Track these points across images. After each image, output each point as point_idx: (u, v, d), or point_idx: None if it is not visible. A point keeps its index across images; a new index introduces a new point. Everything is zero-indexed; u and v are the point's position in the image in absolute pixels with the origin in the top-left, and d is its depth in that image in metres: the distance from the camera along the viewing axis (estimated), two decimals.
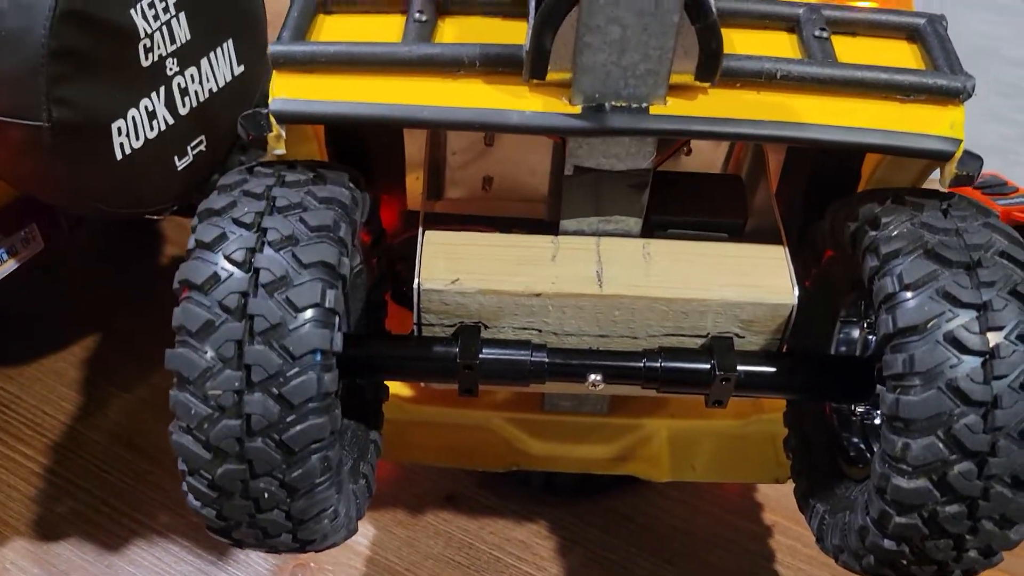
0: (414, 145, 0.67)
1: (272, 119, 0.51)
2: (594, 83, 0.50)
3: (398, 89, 0.52)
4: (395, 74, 0.52)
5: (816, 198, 0.63)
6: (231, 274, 0.47)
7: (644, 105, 0.50)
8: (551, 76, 0.50)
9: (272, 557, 0.76)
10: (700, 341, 0.57)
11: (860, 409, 0.60)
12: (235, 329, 0.46)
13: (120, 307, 0.97)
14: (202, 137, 0.74)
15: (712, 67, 0.50)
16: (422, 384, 0.72)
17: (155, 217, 0.76)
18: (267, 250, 0.48)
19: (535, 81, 0.51)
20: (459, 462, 0.76)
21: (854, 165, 0.63)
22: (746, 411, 0.73)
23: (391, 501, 0.81)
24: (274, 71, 0.52)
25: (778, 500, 0.81)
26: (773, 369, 0.56)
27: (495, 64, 0.51)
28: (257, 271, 0.47)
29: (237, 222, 0.49)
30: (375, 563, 0.76)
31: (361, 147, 0.64)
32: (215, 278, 0.47)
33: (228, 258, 0.47)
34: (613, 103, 0.50)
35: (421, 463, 0.81)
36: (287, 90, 0.52)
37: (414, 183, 0.70)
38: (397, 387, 0.73)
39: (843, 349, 0.62)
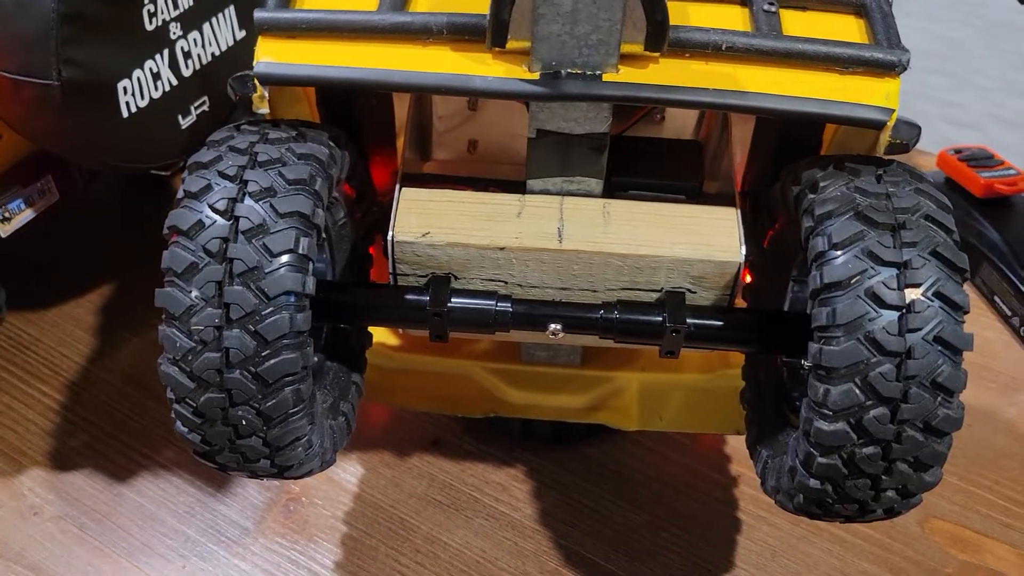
0: (404, 109, 0.71)
1: (256, 81, 0.56)
2: (550, 52, 0.53)
3: (373, 55, 0.56)
4: (370, 40, 0.56)
5: (782, 164, 0.66)
6: (214, 221, 0.52)
7: (597, 73, 0.54)
8: (511, 44, 0.54)
9: (266, 490, 0.82)
10: (655, 296, 0.61)
11: (807, 363, 0.64)
12: (216, 271, 0.51)
13: (132, 257, 1.03)
14: (205, 98, 0.79)
15: (659, 38, 0.53)
16: (401, 331, 0.77)
17: (162, 173, 0.81)
18: (247, 200, 0.52)
19: (497, 49, 0.55)
20: (440, 407, 0.81)
21: (815, 132, 0.66)
22: (713, 366, 0.77)
23: (379, 444, 0.86)
24: (259, 35, 0.56)
25: (744, 452, 0.84)
26: (720, 323, 0.60)
27: (461, 32, 0.55)
28: (237, 219, 0.51)
29: (222, 174, 0.53)
30: (362, 499, 0.81)
31: (350, 109, 0.68)
32: (200, 225, 0.52)
33: (212, 207, 0.52)
34: (568, 70, 0.54)
35: (405, 407, 0.86)
36: (270, 54, 0.56)
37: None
38: (384, 336, 0.78)
39: (798, 307, 0.66)
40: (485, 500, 0.82)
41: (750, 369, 0.68)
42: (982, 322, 1.02)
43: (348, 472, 0.83)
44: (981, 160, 1.07)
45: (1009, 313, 1.00)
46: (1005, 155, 1.11)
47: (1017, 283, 0.99)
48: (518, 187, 0.63)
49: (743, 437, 0.68)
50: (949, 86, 1.96)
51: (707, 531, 0.80)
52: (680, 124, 0.74)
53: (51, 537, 0.78)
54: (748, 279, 0.67)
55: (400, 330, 0.78)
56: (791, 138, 0.67)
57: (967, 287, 0.53)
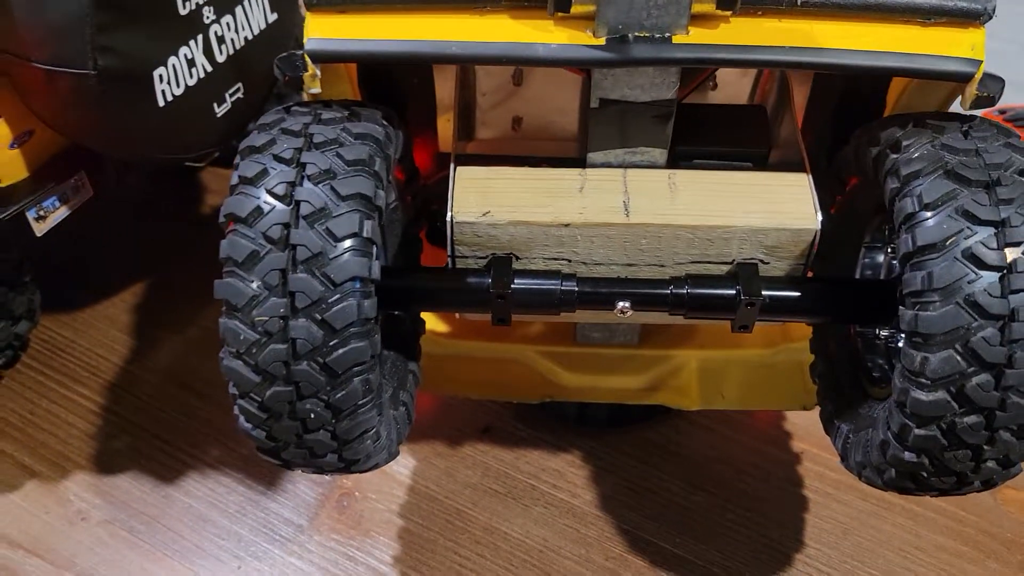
0: (445, 88, 0.69)
1: (307, 59, 0.53)
2: (617, 15, 0.51)
3: (427, 26, 0.53)
4: (424, 12, 0.53)
5: (843, 126, 0.63)
6: (273, 207, 0.49)
7: (667, 35, 0.51)
8: (575, 9, 0.51)
9: (318, 486, 0.80)
10: (726, 268, 0.59)
11: (884, 332, 0.62)
12: (279, 259, 0.49)
13: (166, 255, 1.01)
14: (239, 84, 0.77)
15: None
16: (458, 317, 0.74)
17: (196, 164, 0.79)
18: (306, 183, 0.50)
19: (560, 15, 0.52)
20: (494, 394, 0.79)
21: (879, 92, 0.63)
22: (774, 340, 0.75)
23: (430, 434, 0.84)
24: (307, 12, 0.54)
25: (807, 429, 0.82)
26: (797, 294, 0.58)
27: None
28: (298, 203, 0.49)
29: (277, 158, 0.51)
30: (416, 491, 0.80)
31: (393, 88, 0.65)
32: (258, 211, 0.49)
33: (270, 192, 0.50)
34: (636, 34, 0.51)
35: (458, 395, 0.83)
36: (321, 30, 0.53)
37: (446, 126, 0.71)
38: (435, 322, 0.76)
39: (868, 274, 0.63)
40: (542, 488, 0.80)
41: (820, 342, 0.66)
42: None
43: (400, 464, 0.81)
44: (1023, 119, 1.04)
45: None
46: None
47: None
48: (572, 165, 0.61)
49: (803, 413, 0.65)
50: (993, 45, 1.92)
51: (774, 510, 0.78)
52: (733, 91, 0.71)
53: (101, 542, 0.76)
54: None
55: (451, 315, 0.75)
56: (854, 99, 0.64)
57: None
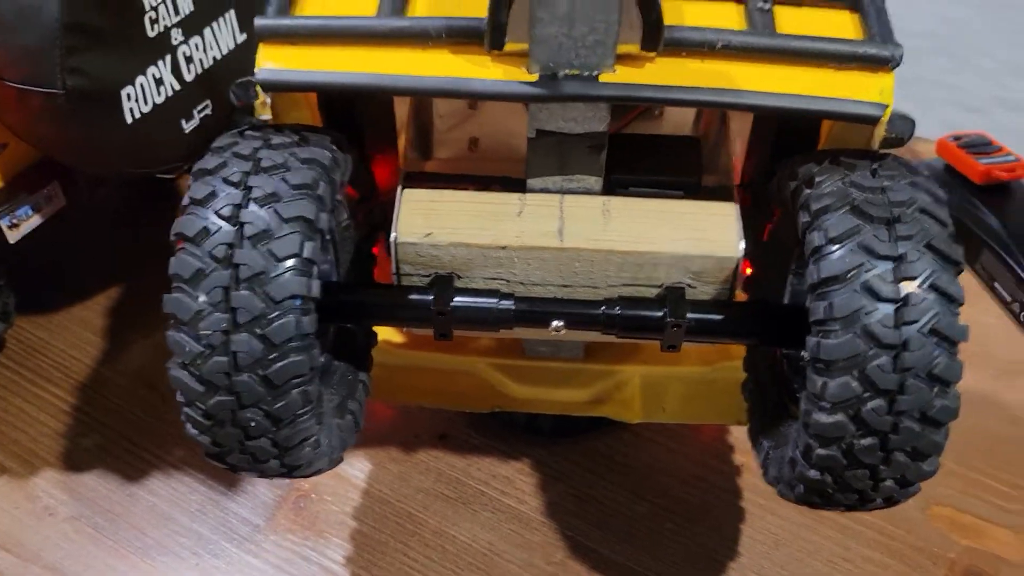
0: (405, 109, 0.72)
1: (258, 87, 0.57)
2: (548, 53, 0.54)
3: (373, 59, 0.57)
4: (370, 46, 0.57)
5: (781, 157, 0.67)
6: (220, 227, 0.52)
7: (594, 73, 0.55)
8: (510, 47, 0.55)
9: (276, 488, 0.83)
10: (655, 291, 0.62)
11: (807, 354, 0.65)
12: (223, 276, 0.52)
13: (138, 260, 1.03)
14: (207, 101, 0.80)
15: (655, 37, 0.54)
16: (406, 329, 0.78)
17: (166, 176, 0.82)
18: (252, 206, 0.53)
19: (496, 51, 0.55)
20: (445, 403, 0.82)
21: (813, 127, 0.67)
22: (713, 358, 0.78)
23: (386, 440, 0.87)
24: (259, 43, 0.57)
25: (747, 443, 0.85)
26: (720, 316, 0.61)
27: (460, 36, 0.56)
28: (243, 225, 0.52)
29: (226, 180, 0.54)
30: (370, 495, 0.83)
31: (351, 111, 0.68)
32: (205, 231, 0.52)
33: (217, 213, 0.53)
34: (566, 71, 0.55)
35: (411, 404, 0.87)
36: (272, 60, 0.57)
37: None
38: (389, 334, 0.79)
39: (797, 300, 0.67)
40: (491, 493, 0.83)
41: (751, 361, 0.69)
42: (982, 308, 1.02)
43: (356, 468, 0.85)
44: (980, 147, 1.08)
45: (1009, 299, 1.01)
46: (1010, 137, 1.11)
47: (1017, 269, 0.99)
48: (520, 184, 0.64)
49: (745, 427, 0.69)
50: (952, 68, 1.94)
51: (712, 521, 0.81)
52: (679, 119, 0.74)
53: (67, 537, 0.80)
54: (748, 271, 0.68)
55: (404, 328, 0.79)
56: (789, 132, 0.68)
57: (966, 273, 0.53)
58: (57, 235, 0.89)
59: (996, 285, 1.02)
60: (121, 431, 0.88)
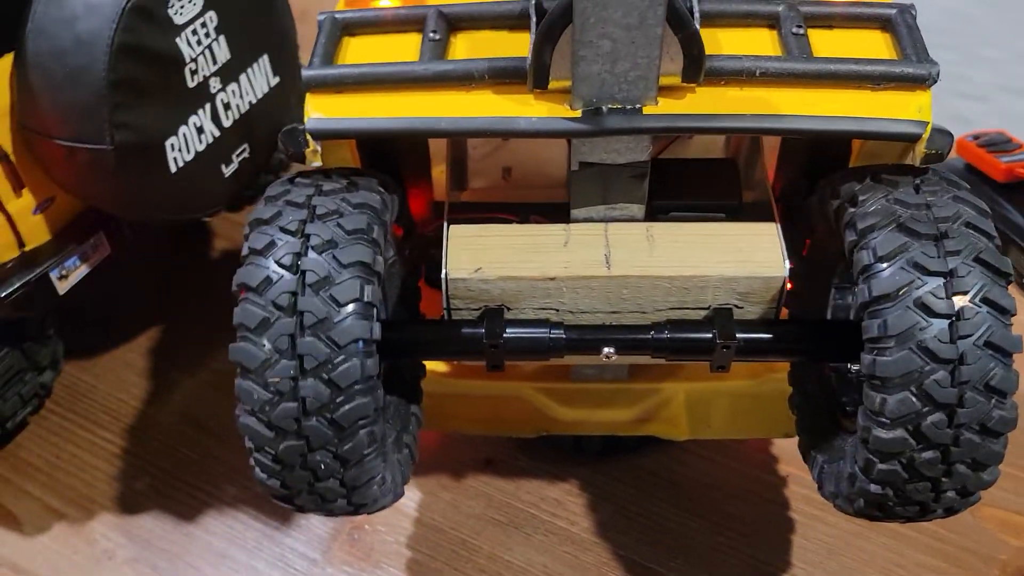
0: (441, 144, 0.73)
1: (308, 136, 0.58)
2: (591, 90, 0.55)
3: (418, 103, 0.58)
4: (414, 90, 0.58)
5: (813, 174, 0.67)
6: (281, 276, 0.54)
7: (637, 106, 0.56)
8: (553, 85, 0.56)
9: (330, 521, 0.84)
10: (703, 313, 0.63)
11: (855, 367, 0.66)
12: (288, 324, 0.53)
13: (179, 300, 1.05)
14: (245, 145, 0.81)
15: (696, 69, 0.55)
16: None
17: (207, 218, 0.83)
18: (311, 254, 0.54)
19: (539, 90, 0.57)
20: (494, 430, 0.83)
21: (844, 143, 0.68)
22: (758, 371, 0.79)
23: (435, 468, 0.88)
24: (307, 93, 0.58)
25: (793, 453, 0.85)
26: (769, 335, 0.62)
27: (502, 76, 0.57)
28: (304, 272, 0.54)
29: (284, 229, 0.55)
30: (423, 523, 0.84)
31: (389, 150, 0.70)
32: (268, 280, 0.54)
33: (278, 262, 0.54)
34: (609, 106, 0.56)
35: (459, 432, 0.88)
36: (320, 109, 0.58)
37: (441, 175, 0.76)
38: (435, 363, 0.80)
39: (840, 311, 0.68)
40: (543, 516, 0.84)
41: (796, 375, 0.70)
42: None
43: (407, 497, 0.86)
44: (999, 145, 1.08)
45: None
46: (1020, 125, 1.11)
47: None
48: (556, 210, 0.65)
49: (790, 439, 0.69)
50: (959, 60, 1.94)
51: (763, 533, 0.82)
52: (709, 140, 0.75)
53: None
54: (790, 286, 0.68)
55: None
56: (821, 149, 0.69)
57: None
58: (99, 281, 0.90)
59: None
60: (172, 471, 0.89)
